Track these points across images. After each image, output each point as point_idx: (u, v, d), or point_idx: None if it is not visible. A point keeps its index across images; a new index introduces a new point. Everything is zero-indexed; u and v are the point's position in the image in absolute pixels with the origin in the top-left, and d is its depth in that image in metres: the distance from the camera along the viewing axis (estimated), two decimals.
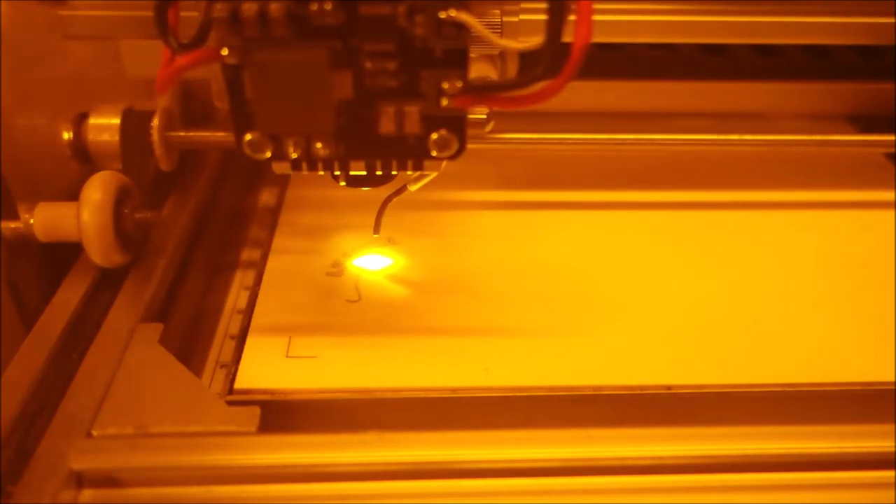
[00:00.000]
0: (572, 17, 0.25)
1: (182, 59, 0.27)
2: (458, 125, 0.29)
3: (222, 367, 0.35)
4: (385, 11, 0.26)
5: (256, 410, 0.29)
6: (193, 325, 0.38)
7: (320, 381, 0.33)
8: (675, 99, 0.54)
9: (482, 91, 0.28)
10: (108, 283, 0.36)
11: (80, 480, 0.27)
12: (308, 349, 0.35)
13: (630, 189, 0.47)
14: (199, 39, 0.27)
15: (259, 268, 0.40)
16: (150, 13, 0.38)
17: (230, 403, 0.30)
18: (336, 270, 0.39)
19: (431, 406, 0.33)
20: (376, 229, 0.38)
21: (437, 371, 0.34)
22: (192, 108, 0.47)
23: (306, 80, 0.27)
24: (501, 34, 0.32)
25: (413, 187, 0.36)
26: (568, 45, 0.26)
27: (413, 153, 0.29)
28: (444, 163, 0.30)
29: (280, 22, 0.26)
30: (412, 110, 0.28)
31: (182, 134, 0.40)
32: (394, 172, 0.32)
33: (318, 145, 0.29)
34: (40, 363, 0.31)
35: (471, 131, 0.29)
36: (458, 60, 0.27)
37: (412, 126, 0.28)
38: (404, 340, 0.35)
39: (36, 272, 0.39)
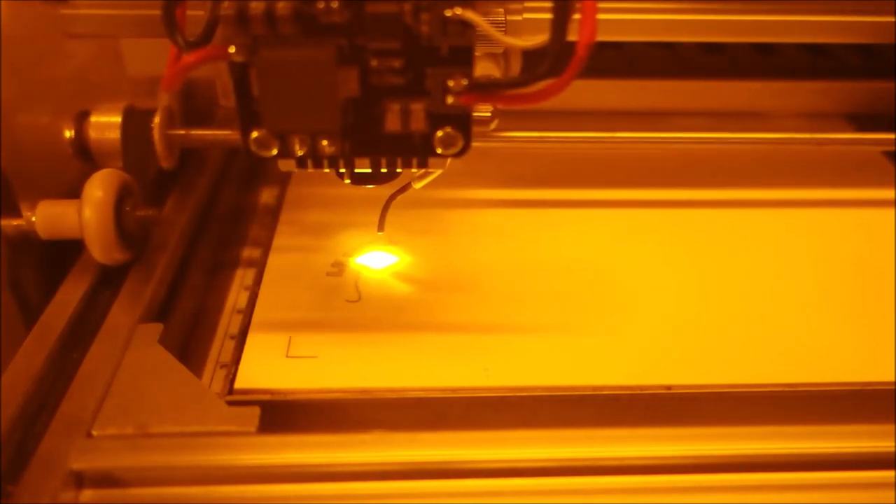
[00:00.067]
0: (577, 16, 0.26)
1: (189, 58, 0.28)
2: (463, 123, 0.29)
3: (222, 367, 0.35)
4: (391, 9, 0.26)
5: (256, 410, 0.29)
6: (193, 325, 0.38)
7: (320, 381, 0.33)
8: (674, 98, 0.54)
9: (487, 89, 0.28)
10: (109, 280, 0.36)
11: (80, 480, 0.27)
12: (308, 349, 0.35)
13: (630, 188, 0.47)
14: (205, 38, 0.28)
15: (259, 267, 0.40)
16: (152, 12, 0.38)
17: (230, 403, 0.30)
18: (336, 270, 0.39)
19: (431, 406, 0.33)
20: (380, 227, 0.38)
21: (437, 371, 0.34)
22: (192, 107, 0.47)
23: (313, 77, 0.27)
24: (505, 33, 0.32)
25: (417, 185, 0.36)
26: (572, 43, 0.26)
27: (418, 151, 0.30)
28: (449, 160, 0.30)
29: (287, 20, 0.26)
30: (418, 108, 0.28)
31: (183, 132, 0.41)
32: (398, 170, 0.32)
33: (324, 143, 0.29)
34: (40, 363, 0.31)
35: (475, 129, 0.29)
36: (463, 58, 0.27)
37: (418, 123, 0.29)
38: (404, 340, 0.35)
39: (38, 269, 0.39)
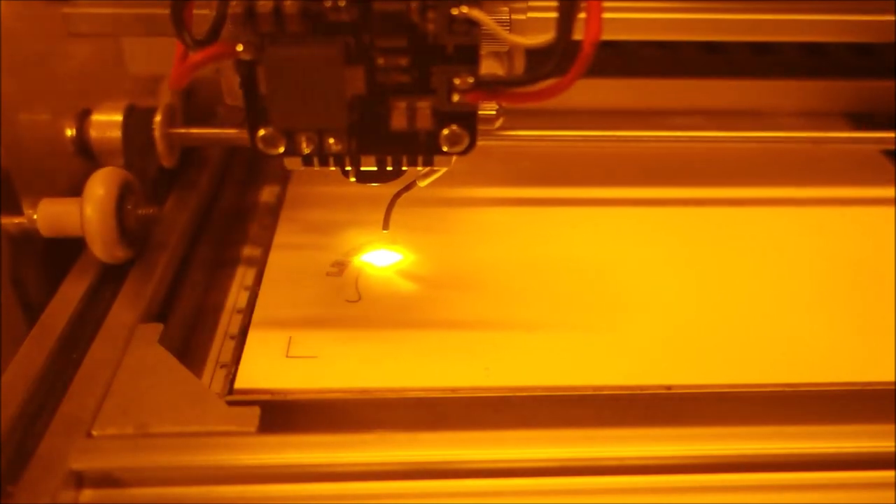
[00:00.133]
0: (582, 15, 0.26)
1: (196, 56, 0.28)
2: (469, 121, 0.29)
3: (222, 367, 0.35)
4: (398, 8, 0.27)
5: (256, 410, 0.29)
6: (193, 325, 0.38)
7: (320, 381, 0.33)
8: (672, 97, 0.54)
9: (493, 87, 0.28)
10: (110, 278, 0.36)
11: (80, 480, 0.27)
12: (308, 349, 0.35)
13: (631, 186, 0.47)
14: (211, 36, 0.28)
15: (259, 267, 0.40)
16: (153, 11, 0.38)
17: (230, 403, 0.30)
18: (336, 270, 0.39)
19: (431, 406, 0.33)
20: (385, 225, 0.38)
21: (438, 371, 0.34)
22: (193, 106, 0.47)
23: (320, 75, 0.27)
24: (510, 31, 0.32)
25: (422, 183, 0.36)
26: (577, 42, 0.26)
27: (424, 148, 0.30)
28: (454, 158, 0.30)
29: (294, 18, 0.26)
30: (424, 106, 0.28)
31: (184, 131, 0.41)
32: (404, 168, 0.32)
33: (331, 141, 0.29)
34: (40, 363, 0.31)
35: (480, 127, 0.29)
36: (469, 56, 0.27)
37: (424, 121, 0.29)
38: (404, 340, 0.35)
39: (39, 267, 0.39)
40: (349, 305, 0.37)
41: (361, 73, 0.28)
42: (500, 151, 0.42)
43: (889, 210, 0.44)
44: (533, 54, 0.34)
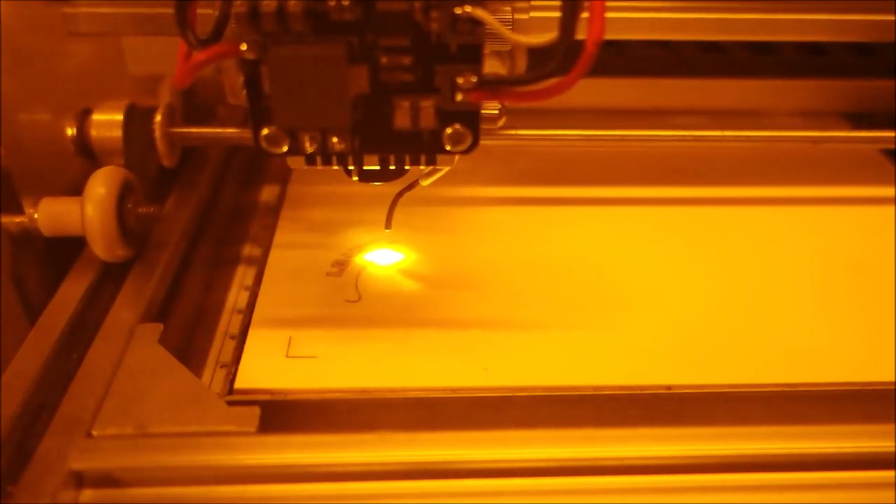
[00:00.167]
0: (585, 15, 0.26)
1: (200, 55, 0.28)
2: (471, 120, 0.29)
3: (222, 367, 0.35)
4: (401, 7, 0.27)
5: (256, 410, 0.29)
6: (193, 325, 0.38)
7: (320, 381, 0.33)
8: (672, 96, 0.54)
9: (496, 86, 0.28)
10: (110, 278, 0.36)
11: (80, 480, 0.27)
12: (308, 349, 0.35)
13: (631, 185, 0.47)
14: (215, 35, 0.28)
15: (259, 267, 0.40)
16: (153, 10, 0.38)
17: (230, 403, 0.30)
18: (336, 270, 0.39)
19: (431, 406, 0.33)
20: (388, 224, 0.38)
21: (437, 371, 0.34)
22: (194, 105, 0.47)
23: (324, 74, 0.27)
24: (513, 31, 0.32)
25: (425, 182, 0.36)
26: (579, 41, 0.26)
27: (427, 147, 0.30)
28: (457, 157, 0.30)
29: (298, 17, 0.26)
30: (427, 105, 0.29)
31: (184, 130, 0.41)
32: (407, 167, 0.32)
33: (334, 140, 0.29)
34: (40, 363, 0.31)
35: (482, 127, 0.29)
36: (472, 56, 0.27)
37: (427, 120, 0.29)
38: (404, 340, 0.35)
39: (40, 266, 0.39)
40: (349, 305, 0.37)
41: (365, 72, 0.28)
42: (500, 151, 0.42)
43: (889, 209, 0.44)
44: (534, 53, 0.34)
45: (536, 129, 0.41)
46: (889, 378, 0.33)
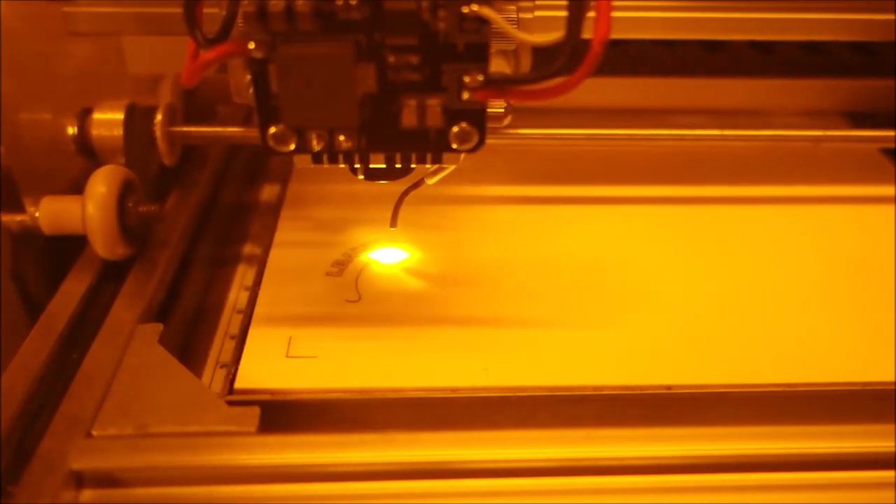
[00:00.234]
0: (591, 14, 0.26)
1: (208, 54, 0.28)
2: (478, 118, 0.29)
3: (222, 367, 0.35)
4: (409, 6, 0.27)
5: (256, 410, 0.29)
6: (193, 325, 0.38)
7: (320, 381, 0.33)
8: (673, 95, 0.54)
9: (502, 85, 0.28)
10: (111, 277, 0.36)
11: (80, 480, 0.27)
12: (308, 349, 0.35)
13: (631, 184, 0.47)
14: (222, 34, 0.28)
15: (259, 266, 0.40)
16: (154, 9, 0.38)
17: (230, 403, 0.30)
18: (336, 270, 0.39)
19: (431, 406, 0.33)
20: (393, 223, 0.38)
21: (438, 371, 0.34)
22: (194, 104, 0.47)
23: (331, 73, 0.27)
24: (518, 30, 0.32)
25: (430, 181, 0.36)
26: (585, 40, 0.26)
27: (434, 146, 0.30)
28: (462, 156, 0.31)
29: (306, 16, 0.26)
30: (434, 103, 0.29)
31: (185, 129, 0.41)
32: (413, 166, 0.32)
33: (341, 138, 0.29)
34: (41, 362, 0.31)
35: (488, 125, 0.30)
36: (479, 54, 0.28)
37: (434, 119, 0.29)
38: (404, 340, 0.35)
39: (41, 264, 0.39)
40: (349, 305, 0.37)
41: (372, 71, 0.28)
42: (504, 149, 0.42)
43: (889, 208, 0.44)
44: (538, 53, 0.34)
45: (540, 129, 0.41)
46: (889, 378, 0.33)
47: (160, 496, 0.27)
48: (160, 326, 0.33)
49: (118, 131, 0.38)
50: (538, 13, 0.37)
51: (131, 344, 0.32)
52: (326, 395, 0.33)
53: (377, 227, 0.41)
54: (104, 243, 0.35)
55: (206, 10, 0.28)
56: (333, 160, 0.30)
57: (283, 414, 0.32)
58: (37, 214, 0.36)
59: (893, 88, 0.53)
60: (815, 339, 0.36)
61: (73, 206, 0.35)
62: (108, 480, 0.27)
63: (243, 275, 0.41)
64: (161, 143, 0.40)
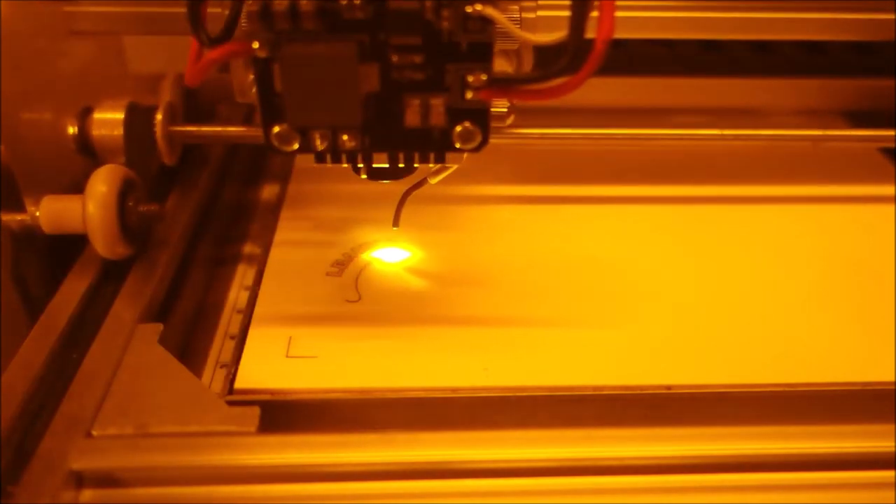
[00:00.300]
0: (594, 14, 0.26)
1: (212, 53, 0.28)
2: (481, 118, 0.29)
3: (222, 367, 0.35)
4: (412, 6, 0.27)
5: (256, 410, 0.29)
6: (193, 325, 0.38)
7: (320, 381, 0.33)
8: (672, 95, 0.54)
9: (506, 84, 0.28)
10: (111, 276, 0.36)
11: (80, 480, 0.27)
12: (308, 349, 0.35)
13: (631, 184, 0.47)
14: (226, 34, 0.28)
15: (260, 266, 0.40)
16: (154, 9, 0.39)
17: (230, 403, 0.29)
18: (336, 270, 0.39)
19: (431, 406, 0.33)
20: (395, 222, 0.38)
21: (438, 371, 0.34)
22: (194, 104, 0.47)
23: (335, 73, 0.28)
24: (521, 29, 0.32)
25: (433, 180, 0.36)
26: (588, 40, 0.26)
27: (437, 145, 0.30)
28: (465, 155, 0.31)
29: (310, 16, 0.27)
30: (437, 103, 0.29)
31: (185, 129, 0.41)
32: (416, 165, 0.32)
33: (345, 137, 0.29)
34: (41, 362, 0.31)
35: (492, 124, 0.30)
36: (483, 54, 0.28)
37: (437, 118, 0.29)
38: (404, 340, 0.35)
39: (41, 264, 0.39)
40: (349, 305, 0.37)
41: (376, 70, 0.28)
42: (505, 149, 0.42)
43: (888, 208, 0.44)
44: (540, 52, 0.34)
45: (542, 128, 0.41)
46: (889, 378, 0.33)
47: (160, 496, 0.27)
48: (160, 326, 0.33)
49: (119, 131, 0.38)
50: (540, 13, 0.37)
51: (131, 344, 0.32)
52: (326, 395, 0.33)
53: (377, 227, 0.41)
54: (104, 243, 0.35)
55: (209, 10, 0.29)
56: (337, 159, 0.30)
57: (283, 414, 0.32)
58: (37, 214, 0.36)
59: (893, 88, 0.53)
60: (815, 339, 0.36)
61: (74, 206, 0.35)
62: (108, 480, 0.27)
63: (243, 275, 0.41)
64: (161, 143, 0.40)
